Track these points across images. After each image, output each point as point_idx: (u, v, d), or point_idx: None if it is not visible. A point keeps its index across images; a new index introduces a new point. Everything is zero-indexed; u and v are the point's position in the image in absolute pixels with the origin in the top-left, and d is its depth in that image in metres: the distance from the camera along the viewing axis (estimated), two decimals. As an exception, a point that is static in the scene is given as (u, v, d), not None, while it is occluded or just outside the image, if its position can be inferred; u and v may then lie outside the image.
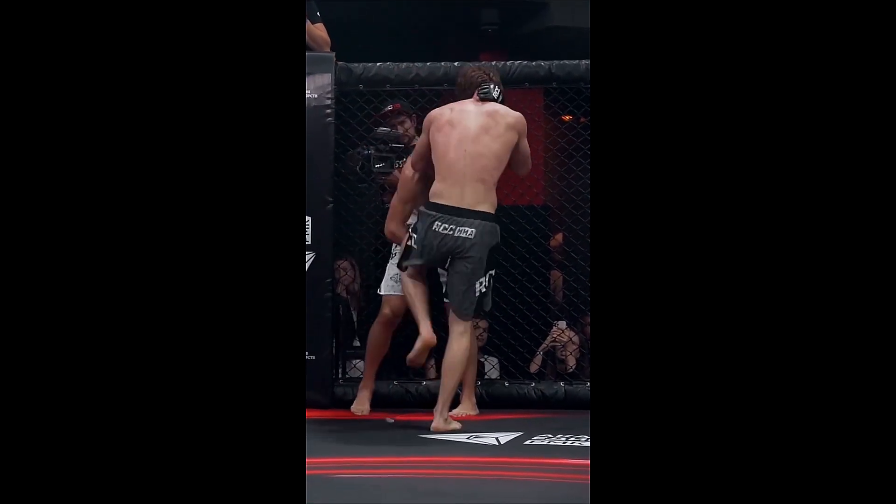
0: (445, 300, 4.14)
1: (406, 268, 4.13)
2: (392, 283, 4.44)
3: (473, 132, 4.01)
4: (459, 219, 3.97)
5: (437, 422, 3.97)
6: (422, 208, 4.11)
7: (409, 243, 4.11)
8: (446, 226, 3.97)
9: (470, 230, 3.96)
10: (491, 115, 4.06)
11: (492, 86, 4.11)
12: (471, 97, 4.13)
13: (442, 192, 4.01)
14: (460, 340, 4.03)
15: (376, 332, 4.51)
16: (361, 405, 4.50)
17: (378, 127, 4.64)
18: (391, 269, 4.45)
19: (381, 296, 4.50)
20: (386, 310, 4.48)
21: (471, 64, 4.65)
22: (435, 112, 4.13)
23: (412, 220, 4.23)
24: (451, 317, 4.06)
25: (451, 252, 4.00)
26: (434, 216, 3.99)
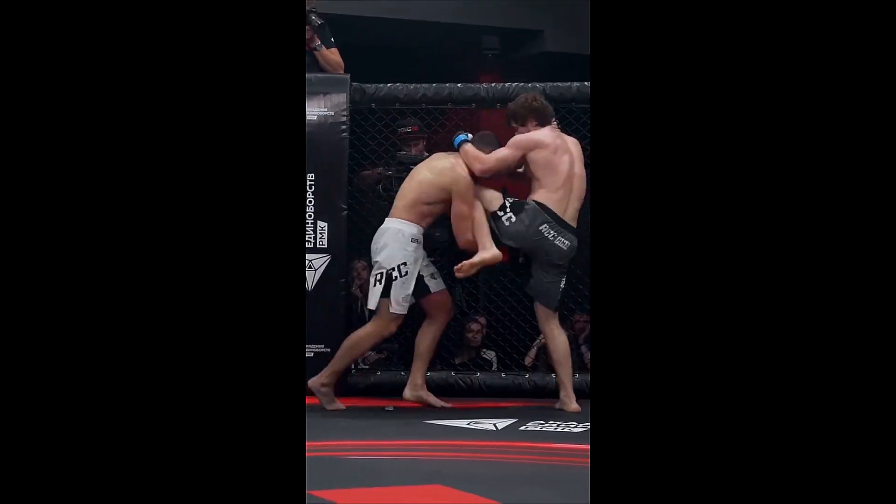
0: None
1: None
2: (405, 303, 4.18)
3: (576, 157, 4.27)
4: (561, 229, 4.18)
5: (574, 405, 4.19)
6: (532, 205, 4.19)
7: (500, 215, 4.19)
8: (552, 231, 4.18)
9: (567, 242, 4.18)
10: (576, 145, 4.33)
11: None
12: (541, 123, 4.30)
13: (552, 201, 4.19)
14: (562, 334, 4.30)
15: (366, 341, 4.28)
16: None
17: (399, 151, 4.75)
18: (401, 289, 4.16)
19: (394, 314, 4.19)
20: (394, 327, 4.26)
21: (483, 85, 4.92)
22: (538, 135, 4.27)
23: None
24: (545, 315, 4.24)
25: (537, 252, 4.20)
26: (545, 218, 4.17)
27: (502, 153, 4.25)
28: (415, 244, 4.21)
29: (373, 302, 4.20)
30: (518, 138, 4.26)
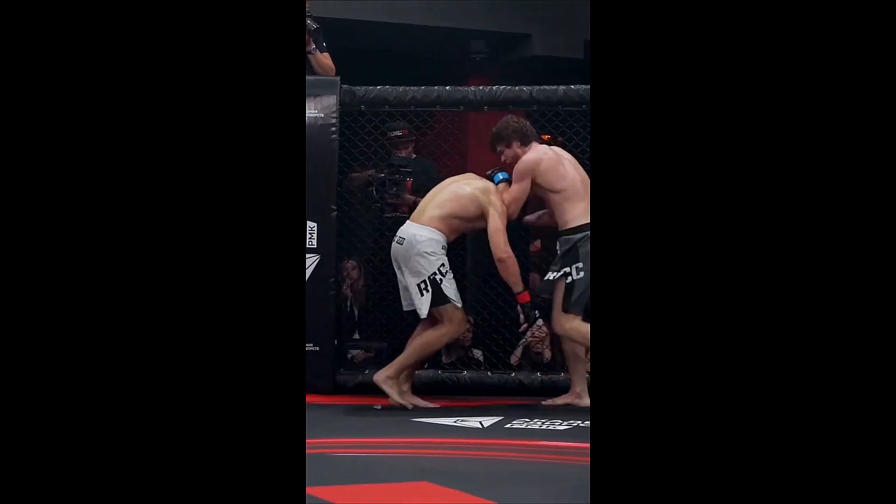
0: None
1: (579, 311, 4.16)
2: (459, 298, 4.26)
3: (573, 161, 4.29)
4: None
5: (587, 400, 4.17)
6: (578, 234, 4.14)
7: (569, 281, 4.15)
8: None
9: None
10: (561, 150, 4.33)
11: None
12: (523, 143, 4.29)
13: (586, 211, 4.14)
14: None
15: (440, 341, 4.32)
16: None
17: (392, 155, 4.76)
18: (451, 287, 4.21)
19: (456, 309, 4.23)
20: (464, 327, 4.37)
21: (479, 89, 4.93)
22: (532, 154, 4.27)
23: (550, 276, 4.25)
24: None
25: None
26: None
27: (512, 191, 4.26)
28: (444, 251, 4.25)
29: (425, 310, 4.20)
30: (518, 168, 4.27)
